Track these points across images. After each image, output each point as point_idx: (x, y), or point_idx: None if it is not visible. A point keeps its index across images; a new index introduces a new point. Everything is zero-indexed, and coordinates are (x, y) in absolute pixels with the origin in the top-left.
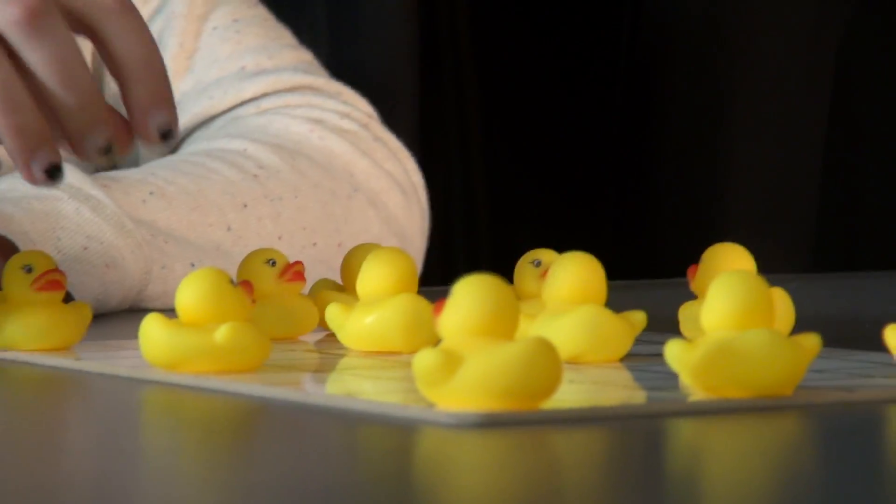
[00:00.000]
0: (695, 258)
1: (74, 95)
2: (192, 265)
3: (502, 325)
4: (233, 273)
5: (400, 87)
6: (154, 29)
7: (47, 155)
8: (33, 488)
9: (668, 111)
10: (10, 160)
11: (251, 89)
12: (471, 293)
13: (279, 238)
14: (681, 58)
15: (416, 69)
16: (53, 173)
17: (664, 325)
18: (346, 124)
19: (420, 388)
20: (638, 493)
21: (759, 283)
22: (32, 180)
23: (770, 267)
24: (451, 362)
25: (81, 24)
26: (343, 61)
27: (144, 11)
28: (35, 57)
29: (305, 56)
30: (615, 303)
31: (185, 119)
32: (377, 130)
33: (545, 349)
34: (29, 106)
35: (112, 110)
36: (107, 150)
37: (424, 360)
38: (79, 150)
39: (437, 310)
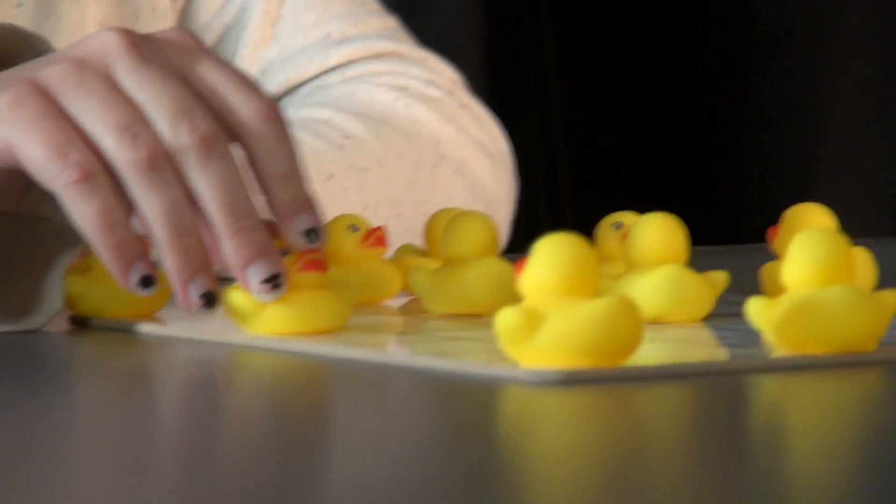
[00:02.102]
0: (777, 223)
1: (237, 221)
2: None
3: (583, 283)
4: None
5: (468, 48)
6: None
7: (205, 281)
8: (117, 454)
9: (753, 76)
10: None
11: (336, 57)
12: (551, 251)
13: (364, 209)
14: (768, 24)
15: (484, 31)
16: (209, 300)
17: (746, 288)
18: (432, 92)
19: (502, 347)
20: (721, 449)
21: (840, 239)
22: (188, 304)
23: (853, 231)
24: (533, 320)
25: (232, 132)
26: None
27: None
28: (201, 183)
29: (390, 23)
30: (696, 267)
31: (270, 87)
32: (462, 97)
33: (627, 306)
34: (193, 231)
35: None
36: (274, 284)
37: (507, 318)
38: (242, 282)
39: (519, 268)
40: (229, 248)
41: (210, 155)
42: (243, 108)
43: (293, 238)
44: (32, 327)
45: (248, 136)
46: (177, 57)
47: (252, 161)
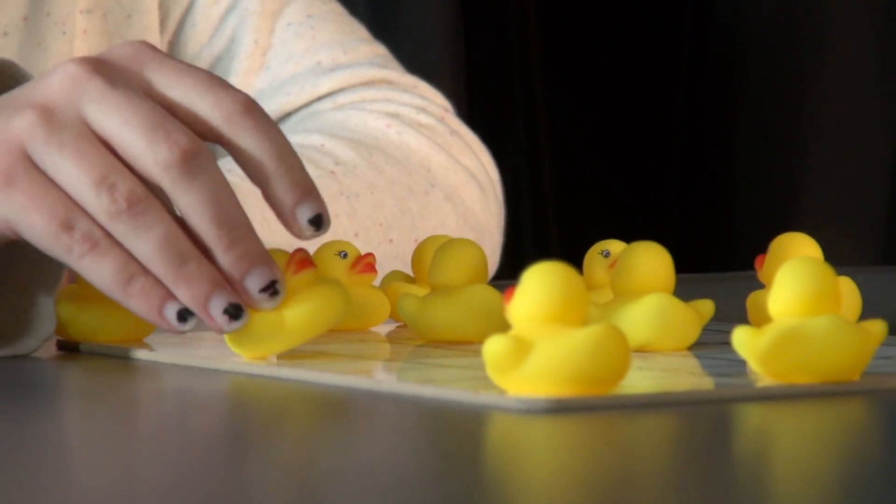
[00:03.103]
0: (763, 252)
1: (228, 233)
2: None
3: (571, 312)
4: None
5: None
6: (228, 26)
7: (223, 297)
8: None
9: (739, 105)
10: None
11: (327, 84)
12: (540, 280)
13: (355, 235)
14: (753, 53)
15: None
16: (234, 313)
17: (732, 316)
18: (423, 118)
19: (490, 375)
20: (706, 478)
21: (826, 269)
22: (216, 326)
23: (838, 260)
24: (521, 348)
25: (212, 136)
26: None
27: (217, 9)
28: (188, 199)
29: (380, 50)
30: (683, 295)
31: None
32: (453, 124)
33: (614, 335)
34: (194, 255)
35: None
36: (272, 292)
37: (494, 346)
38: (240, 292)
39: (507, 297)
40: (224, 261)
41: (193, 170)
42: (217, 109)
43: (299, 230)
44: (24, 352)
45: (229, 133)
46: (138, 72)
47: (239, 159)
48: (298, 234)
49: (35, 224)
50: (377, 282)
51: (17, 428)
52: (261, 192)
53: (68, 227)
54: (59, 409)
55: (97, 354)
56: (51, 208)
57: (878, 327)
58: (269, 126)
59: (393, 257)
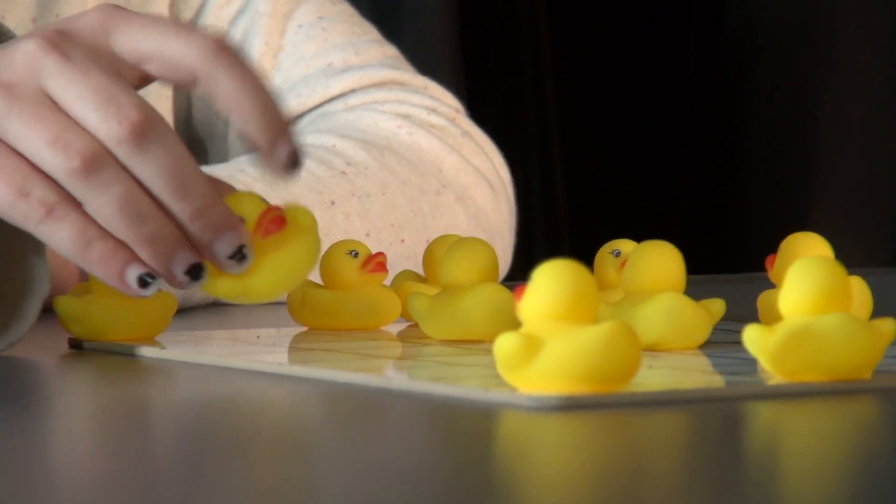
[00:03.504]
0: (774, 252)
1: (191, 203)
2: None
3: (582, 309)
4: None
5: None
6: (239, 28)
7: (185, 257)
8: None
9: (751, 106)
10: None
11: (338, 86)
12: (550, 277)
13: (367, 235)
14: (767, 54)
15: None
16: (195, 273)
17: (743, 317)
18: (434, 119)
19: (501, 372)
20: (717, 476)
21: (837, 268)
22: (176, 284)
23: (849, 261)
24: (532, 346)
25: (185, 75)
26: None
27: (228, 11)
28: (145, 172)
29: (391, 51)
30: (694, 295)
31: None
32: (464, 125)
33: (625, 332)
34: (155, 215)
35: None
36: (239, 257)
37: (505, 343)
38: (210, 259)
39: (518, 295)
40: (190, 230)
41: (145, 142)
42: (189, 50)
43: (277, 169)
44: (27, 317)
45: (204, 72)
46: (104, 38)
47: (216, 97)
48: (277, 171)
49: None
50: (388, 281)
51: (26, 427)
52: (238, 128)
53: (24, 193)
54: (70, 408)
55: (108, 353)
56: (9, 176)
57: (889, 326)
58: (242, 64)
59: (404, 258)
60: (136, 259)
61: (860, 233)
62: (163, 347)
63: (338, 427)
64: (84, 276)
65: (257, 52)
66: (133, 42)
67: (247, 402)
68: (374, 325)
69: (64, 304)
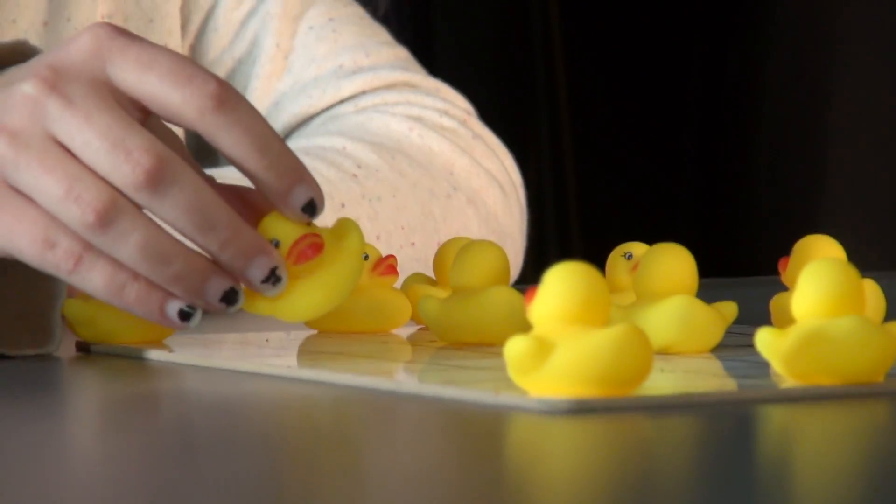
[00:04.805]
0: (787, 254)
1: (217, 236)
2: None
3: (593, 312)
4: None
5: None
6: (249, 30)
7: (217, 286)
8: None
9: (762, 107)
10: None
11: (349, 87)
12: (561, 280)
13: (377, 238)
14: (776, 52)
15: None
16: (230, 299)
17: (755, 320)
18: (446, 122)
19: (512, 376)
20: (729, 480)
21: (850, 270)
22: (216, 312)
23: (862, 264)
24: (543, 349)
25: (183, 123)
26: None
27: (239, 13)
28: (166, 214)
29: (402, 53)
30: (706, 298)
31: (283, 118)
32: (476, 127)
33: (636, 336)
34: (178, 252)
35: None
36: (274, 280)
37: (516, 346)
38: (246, 285)
39: (529, 298)
40: (222, 262)
41: (162, 186)
42: (188, 106)
43: (294, 216)
44: (50, 350)
45: (205, 131)
46: (100, 70)
47: (221, 153)
48: (295, 220)
49: (21, 246)
50: (398, 284)
51: (33, 430)
52: (251, 182)
53: (50, 244)
54: (77, 411)
55: (116, 356)
56: (31, 229)
57: None
58: (244, 117)
59: (415, 261)
60: (172, 294)
61: (873, 234)
62: (171, 351)
63: (348, 430)
64: None
65: (268, 53)
66: (130, 82)
67: (256, 405)
68: (385, 329)
69: (72, 307)
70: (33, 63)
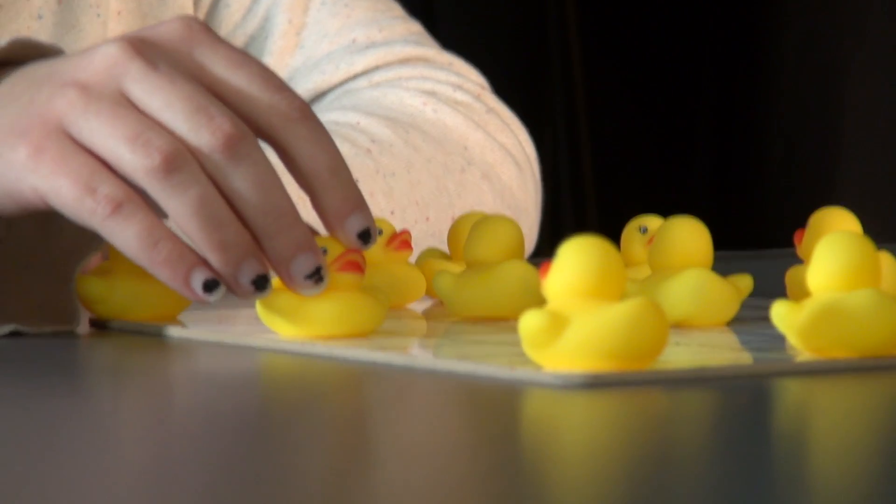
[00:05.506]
0: (802, 227)
1: (276, 220)
2: None
3: (608, 286)
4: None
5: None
6: (261, 6)
7: (253, 266)
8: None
9: (778, 81)
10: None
11: (362, 62)
12: (576, 254)
13: (391, 213)
14: (792, 27)
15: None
16: (260, 283)
17: (771, 293)
18: (460, 96)
19: (526, 350)
20: (745, 453)
21: (866, 243)
22: (241, 293)
23: (878, 236)
24: (558, 323)
25: (264, 135)
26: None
27: None
28: (234, 183)
29: (415, 27)
30: (721, 271)
31: None
32: (490, 101)
33: (651, 310)
34: (230, 220)
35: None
36: (317, 278)
37: (531, 321)
38: (285, 278)
39: (543, 272)
40: (270, 247)
41: (237, 155)
42: (274, 111)
43: (347, 240)
44: (73, 327)
45: (285, 138)
46: (187, 53)
47: (292, 163)
48: (347, 244)
49: (60, 188)
50: (413, 259)
51: (49, 407)
52: (309, 199)
53: (91, 189)
54: (92, 387)
55: (130, 332)
56: (76, 172)
57: None
58: (323, 135)
59: (429, 235)
60: (203, 263)
61: (889, 207)
62: (185, 326)
63: (363, 405)
64: (105, 256)
65: (280, 29)
66: (219, 75)
67: (270, 380)
68: (400, 304)
69: (86, 283)
70: (117, 36)
